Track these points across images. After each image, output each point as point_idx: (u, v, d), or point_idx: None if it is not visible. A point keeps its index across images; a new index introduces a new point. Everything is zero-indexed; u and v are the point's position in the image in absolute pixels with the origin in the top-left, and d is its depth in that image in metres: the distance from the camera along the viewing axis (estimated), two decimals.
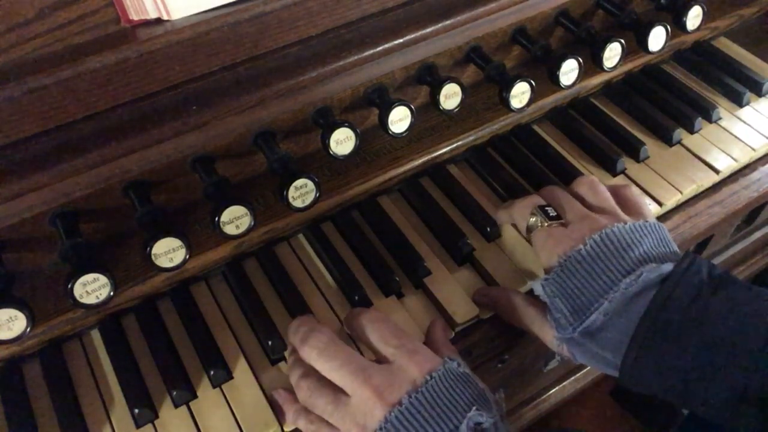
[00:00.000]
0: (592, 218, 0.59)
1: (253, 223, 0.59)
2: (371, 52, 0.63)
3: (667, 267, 0.54)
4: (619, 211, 0.61)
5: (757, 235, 1.01)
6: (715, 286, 0.53)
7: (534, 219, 0.61)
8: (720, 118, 0.83)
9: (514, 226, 0.70)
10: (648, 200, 0.73)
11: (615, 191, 0.65)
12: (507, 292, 0.64)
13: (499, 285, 0.66)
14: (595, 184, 0.64)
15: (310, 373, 0.55)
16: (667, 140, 0.80)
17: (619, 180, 0.76)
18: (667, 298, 0.52)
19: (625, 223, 0.57)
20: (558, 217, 0.60)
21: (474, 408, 0.50)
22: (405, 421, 0.49)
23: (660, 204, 0.73)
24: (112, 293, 0.55)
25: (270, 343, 0.61)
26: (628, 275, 0.54)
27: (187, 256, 0.58)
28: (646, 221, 0.58)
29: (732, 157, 0.78)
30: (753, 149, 0.78)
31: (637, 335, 0.52)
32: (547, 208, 0.61)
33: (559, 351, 0.58)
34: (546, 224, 0.60)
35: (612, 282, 0.54)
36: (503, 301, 0.63)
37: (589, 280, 0.55)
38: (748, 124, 0.82)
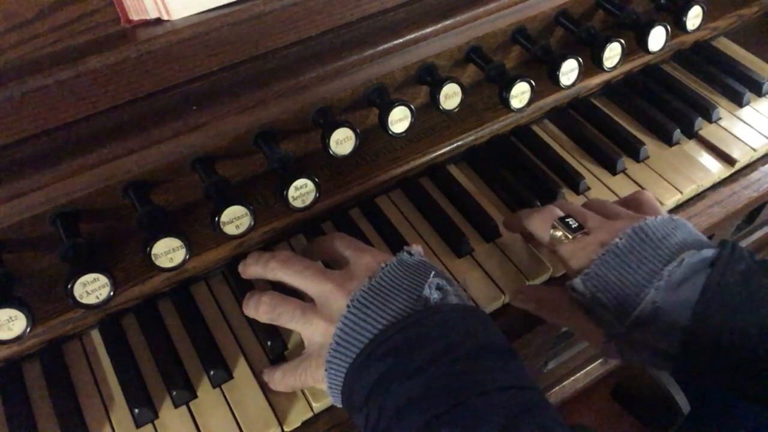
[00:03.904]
0: (614, 222, 0.59)
1: (253, 223, 0.59)
2: (371, 52, 0.63)
3: (707, 252, 0.53)
4: (637, 215, 0.60)
5: (757, 235, 1.02)
6: (763, 270, 0.52)
7: (558, 233, 0.60)
8: (720, 118, 0.83)
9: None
10: None
11: (629, 198, 0.65)
12: (551, 290, 0.62)
13: (498, 285, 0.66)
14: (605, 201, 0.64)
15: (267, 292, 0.58)
16: (667, 140, 0.80)
17: (619, 180, 0.76)
18: (719, 282, 0.51)
19: (655, 217, 0.57)
20: (580, 227, 0.59)
21: (432, 273, 0.53)
22: (370, 297, 0.52)
23: (660, 204, 0.73)
24: (112, 293, 0.55)
25: (270, 343, 0.61)
26: (669, 263, 0.53)
27: (187, 256, 0.58)
28: (672, 217, 0.58)
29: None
30: (753, 149, 0.78)
31: (693, 320, 0.51)
32: (567, 220, 0.60)
33: (606, 349, 0.57)
34: (571, 236, 0.59)
35: (653, 271, 0.53)
36: (547, 300, 0.62)
37: (630, 271, 0.54)
38: (748, 124, 0.82)
